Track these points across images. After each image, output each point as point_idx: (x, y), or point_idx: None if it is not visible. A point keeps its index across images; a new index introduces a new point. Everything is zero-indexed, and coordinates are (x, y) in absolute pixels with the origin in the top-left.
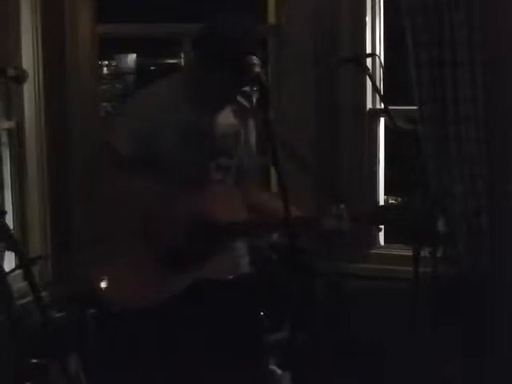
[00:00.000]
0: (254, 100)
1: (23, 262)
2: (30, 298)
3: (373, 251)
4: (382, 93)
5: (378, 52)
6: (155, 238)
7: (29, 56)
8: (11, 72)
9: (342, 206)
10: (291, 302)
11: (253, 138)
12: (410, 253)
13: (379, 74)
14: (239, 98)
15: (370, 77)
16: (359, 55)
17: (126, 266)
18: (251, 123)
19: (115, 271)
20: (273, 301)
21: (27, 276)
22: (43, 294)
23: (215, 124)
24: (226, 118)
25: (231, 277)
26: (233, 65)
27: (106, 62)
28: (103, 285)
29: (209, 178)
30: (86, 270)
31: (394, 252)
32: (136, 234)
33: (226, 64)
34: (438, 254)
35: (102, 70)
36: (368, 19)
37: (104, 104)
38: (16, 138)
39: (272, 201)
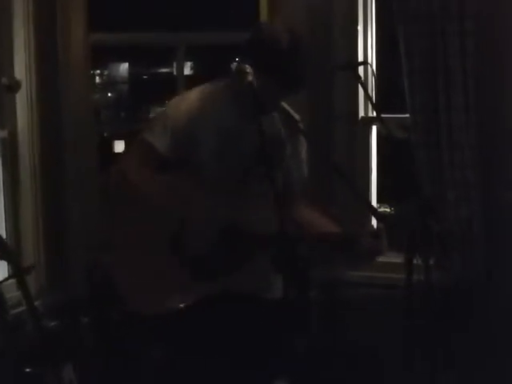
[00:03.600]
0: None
1: (16, 272)
2: (23, 308)
3: None
4: (374, 101)
5: (370, 60)
6: (183, 241)
7: (21, 65)
8: (4, 81)
9: (381, 225)
10: (287, 308)
11: (302, 152)
12: (402, 260)
13: (371, 82)
14: (289, 110)
15: (362, 85)
16: (351, 63)
17: (148, 267)
18: (301, 136)
19: (137, 272)
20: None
21: (21, 285)
22: (37, 302)
23: (258, 131)
24: (272, 128)
25: (261, 293)
26: (279, 73)
27: (99, 71)
28: (124, 286)
29: (247, 185)
30: (104, 271)
31: (387, 259)
32: (163, 236)
33: (272, 72)
34: (431, 262)
35: (94, 79)
36: (360, 28)
37: (97, 112)
38: (9, 147)
39: (315, 217)
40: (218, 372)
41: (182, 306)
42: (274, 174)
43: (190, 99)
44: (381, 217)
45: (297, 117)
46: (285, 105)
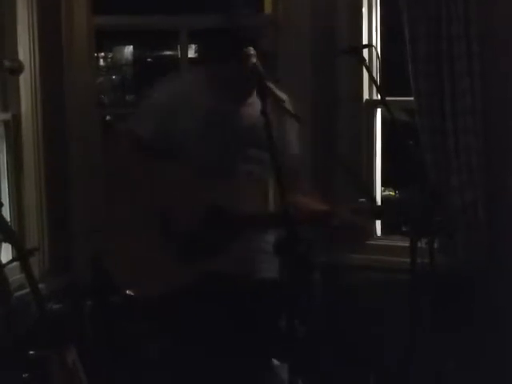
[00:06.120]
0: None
1: (20, 254)
2: (27, 290)
3: (370, 242)
4: (378, 84)
5: (374, 43)
6: (169, 224)
7: (25, 48)
8: (7, 64)
9: (362, 200)
10: (288, 292)
11: (291, 131)
12: (406, 244)
13: (376, 65)
14: (275, 90)
15: (366, 68)
16: (356, 46)
17: (138, 252)
18: (288, 116)
19: (126, 256)
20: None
21: (24, 268)
22: (41, 285)
23: (240, 113)
24: (257, 108)
25: (250, 273)
26: (238, 53)
27: (103, 54)
28: (114, 269)
29: (232, 167)
30: (96, 256)
31: (391, 243)
32: (150, 220)
33: (232, 53)
34: (436, 246)
35: (98, 61)
36: (364, 10)
37: (101, 96)
38: (12, 130)
39: (306, 199)
40: (211, 353)
41: (171, 288)
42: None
43: (173, 85)
44: (378, 209)
45: (283, 97)
46: (270, 85)
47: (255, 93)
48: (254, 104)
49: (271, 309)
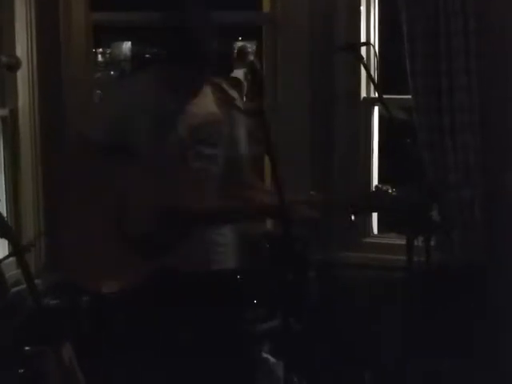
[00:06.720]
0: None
1: (16, 250)
2: (23, 286)
3: (366, 240)
4: (376, 82)
5: (372, 41)
6: (124, 222)
7: (23, 44)
8: (5, 60)
9: (313, 192)
10: (285, 290)
11: (240, 128)
12: (403, 242)
13: (374, 62)
14: (226, 88)
15: (364, 65)
16: (353, 43)
17: (95, 251)
18: (238, 114)
19: (84, 255)
20: (265, 289)
21: (20, 263)
22: (37, 281)
23: (188, 112)
24: (206, 106)
25: (207, 266)
26: (189, 52)
27: (101, 50)
28: (74, 269)
29: (184, 165)
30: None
31: (388, 241)
32: (106, 220)
33: (182, 51)
34: (432, 244)
35: (96, 57)
36: (363, 9)
37: (98, 91)
38: (10, 125)
39: (258, 192)
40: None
41: (130, 285)
42: (224, 153)
43: (119, 86)
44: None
45: (234, 95)
46: (222, 83)
47: (203, 91)
48: (202, 102)
49: (231, 299)
